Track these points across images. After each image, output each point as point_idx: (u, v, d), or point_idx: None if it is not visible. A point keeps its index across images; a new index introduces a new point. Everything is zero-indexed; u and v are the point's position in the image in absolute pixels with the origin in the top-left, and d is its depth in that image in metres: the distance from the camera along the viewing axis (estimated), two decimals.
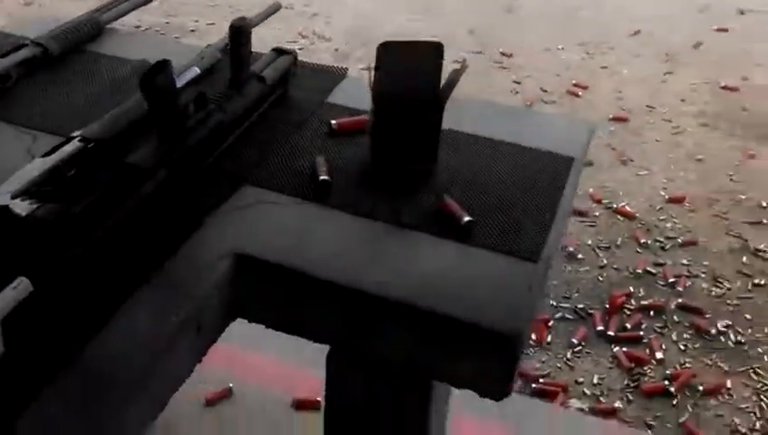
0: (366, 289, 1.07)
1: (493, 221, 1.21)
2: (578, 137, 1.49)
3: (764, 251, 2.62)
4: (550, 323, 2.29)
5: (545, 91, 3.65)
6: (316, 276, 1.09)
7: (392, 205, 1.22)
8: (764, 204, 2.86)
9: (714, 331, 2.27)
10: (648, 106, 3.54)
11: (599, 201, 2.84)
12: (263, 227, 1.17)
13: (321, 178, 1.24)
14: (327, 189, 1.23)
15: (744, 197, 2.92)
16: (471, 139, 1.39)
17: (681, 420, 2.00)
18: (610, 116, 3.43)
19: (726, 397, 2.08)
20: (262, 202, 1.21)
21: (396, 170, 1.29)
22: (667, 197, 2.89)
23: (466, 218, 1.18)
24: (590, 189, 2.91)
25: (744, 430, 1.99)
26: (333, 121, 1.38)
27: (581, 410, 2.03)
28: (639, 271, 2.49)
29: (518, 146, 1.39)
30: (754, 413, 2.03)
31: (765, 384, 2.11)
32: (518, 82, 3.72)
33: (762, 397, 2.08)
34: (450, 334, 1.04)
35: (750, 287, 2.45)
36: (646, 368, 2.15)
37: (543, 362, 2.17)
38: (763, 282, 2.48)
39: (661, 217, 2.79)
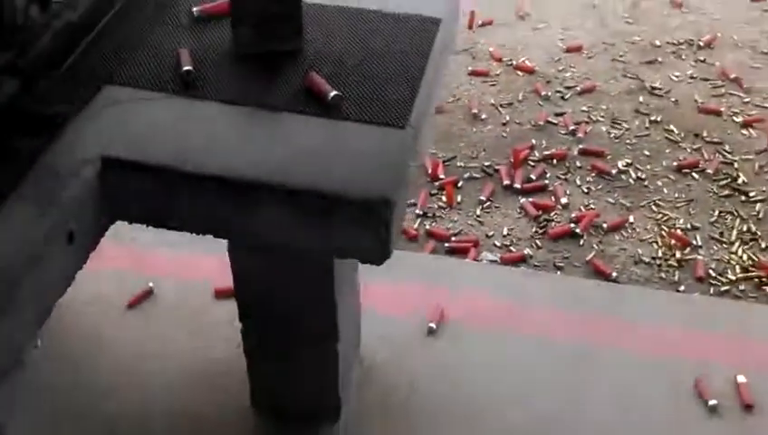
0: (236, 175, 1.05)
1: (360, 93, 1.18)
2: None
3: (659, 88, 2.64)
4: (459, 184, 2.31)
5: None
6: (186, 171, 1.06)
7: (259, 88, 1.18)
8: (657, 42, 2.87)
9: (615, 171, 2.31)
10: None
11: (499, 60, 2.81)
12: (129, 126, 1.12)
13: (185, 68, 1.19)
14: (192, 80, 1.19)
15: (638, 38, 2.91)
16: (336, 11, 1.33)
17: (588, 259, 2.06)
18: None
19: (630, 231, 2.14)
20: (126, 101, 1.16)
21: (261, 53, 1.25)
22: (564, 47, 2.87)
23: (333, 93, 1.15)
24: (491, 48, 2.87)
25: (647, 260, 2.05)
26: (195, 9, 1.32)
27: (494, 261, 2.07)
28: (541, 123, 2.50)
29: (383, 13, 1.35)
30: (656, 242, 2.10)
31: (665, 215, 2.18)
32: None
33: (662, 227, 2.14)
34: (323, 209, 1.03)
35: (647, 125, 2.48)
36: (552, 214, 2.19)
37: (455, 221, 2.20)
38: (659, 118, 2.51)
39: (560, 69, 2.78)
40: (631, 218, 2.16)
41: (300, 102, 1.16)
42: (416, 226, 2.17)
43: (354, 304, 1.61)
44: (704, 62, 2.78)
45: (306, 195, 1.02)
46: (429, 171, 2.33)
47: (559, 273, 2.02)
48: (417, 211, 2.20)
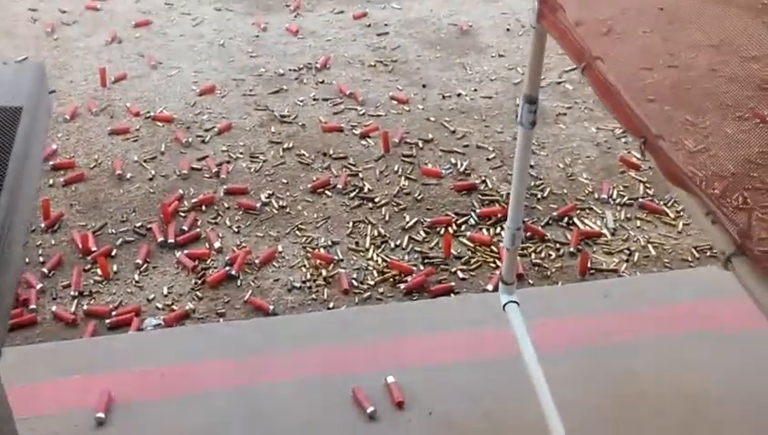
0: None
1: None
2: (26, 81, 1.29)
3: (288, 115, 2.66)
4: (113, 253, 2.14)
5: (65, 12, 3.27)
6: None
7: None
8: (281, 71, 2.89)
9: (259, 204, 2.28)
10: (166, 4, 3.34)
11: (137, 114, 2.64)
12: None
13: None
14: None
15: (263, 69, 2.91)
16: None
17: (246, 298, 2.01)
18: (133, 23, 3.18)
19: (280, 261, 2.13)
20: None
21: None
22: (198, 90, 2.78)
23: None
24: (128, 104, 2.69)
25: (298, 285, 2.04)
26: None
27: (159, 325, 1.95)
28: (186, 171, 2.39)
29: None
30: (304, 266, 2.11)
31: (308, 237, 2.18)
32: (34, 10, 3.28)
33: (307, 249, 2.16)
34: None
35: (282, 153, 2.48)
36: (209, 261, 2.11)
37: (114, 293, 2.02)
38: (291, 145, 2.52)
39: (197, 112, 2.68)
40: (280, 247, 2.14)
41: None
42: (73, 308, 1.97)
43: None
44: (323, 82, 2.84)
45: None
46: (80, 246, 2.13)
47: (221, 320, 1.95)
48: (72, 292, 2.00)
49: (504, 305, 1.52)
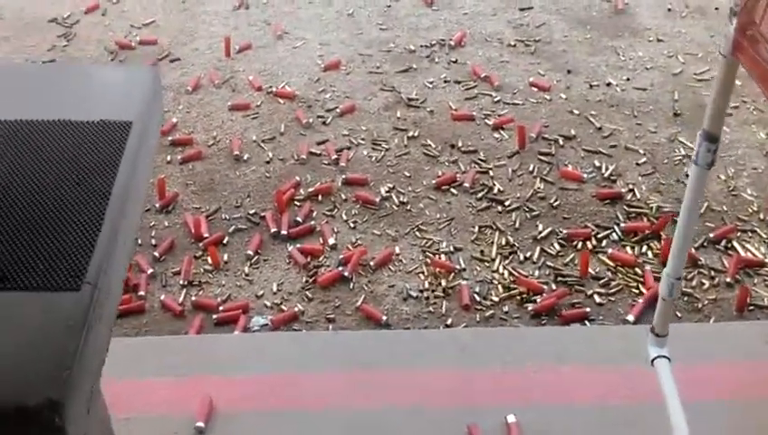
0: None
1: (27, 250, 0.94)
2: (138, 91, 1.22)
3: (416, 99, 2.52)
4: (225, 241, 2.09)
5: None
6: None
7: None
8: (412, 47, 2.75)
9: (378, 199, 2.17)
10: None
11: (259, 88, 2.59)
12: None
13: None
14: None
15: (393, 45, 2.78)
16: None
17: (358, 304, 1.92)
18: None
19: (397, 264, 2.01)
20: None
21: None
22: (323, 65, 2.69)
23: None
24: (250, 77, 2.64)
25: (415, 294, 1.93)
26: None
27: (266, 325, 1.89)
28: (304, 156, 2.32)
29: (58, 124, 1.10)
30: (422, 273, 1.98)
31: (428, 240, 2.05)
32: None
33: (426, 254, 2.03)
34: None
35: (406, 142, 2.36)
36: (321, 259, 2.03)
37: (223, 285, 1.98)
38: (416, 133, 2.39)
39: (320, 89, 2.59)
40: (397, 249, 2.03)
41: None
42: (181, 298, 1.94)
43: None
44: (456, 62, 2.68)
45: None
46: (192, 231, 2.10)
47: (330, 327, 1.87)
48: (182, 281, 1.98)
49: (653, 360, 1.34)
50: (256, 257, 2.04)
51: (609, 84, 2.52)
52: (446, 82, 2.58)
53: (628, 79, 2.54)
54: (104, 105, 1.16)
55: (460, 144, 2.32)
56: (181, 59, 2.74)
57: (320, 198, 2.18)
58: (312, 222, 2.11)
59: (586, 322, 1.82)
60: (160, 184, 2.18)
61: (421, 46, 2.74)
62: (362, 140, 2.37)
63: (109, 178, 1.01)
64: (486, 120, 2.40)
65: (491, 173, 2.22)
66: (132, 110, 1.13)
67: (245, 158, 2.32)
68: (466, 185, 2.17)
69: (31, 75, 1.27)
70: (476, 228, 2.07)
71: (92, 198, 0.98)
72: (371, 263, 1.99)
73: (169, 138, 2.38)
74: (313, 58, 2.73)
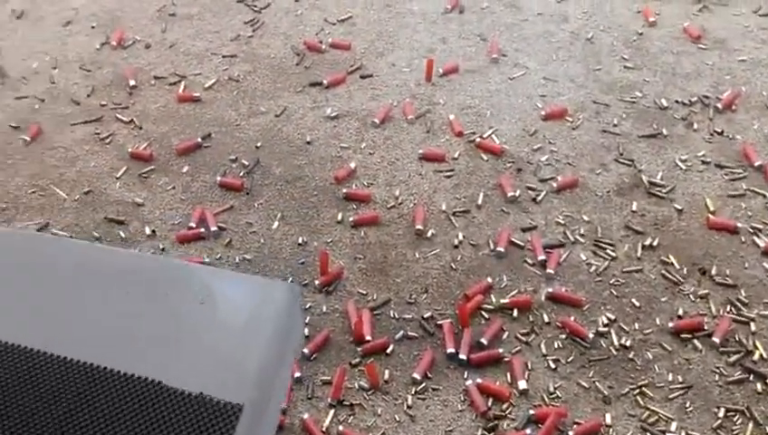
0: None
1: None
2: (265, 332, 0.93)
3: (661, 185, 2.03)
4: (389, 349, 1.78)
5: None
6: None
7: None
8: (664, 102, 2.22)
9: (592, 333, 1.76)
10: None
11: (459, 134, 2.21)
12: None
13: None
14: None
15: (639, 94, 2.27)
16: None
17: None
18: None
19: None
20: None
21: None
22: (544, 111, 2.26)
23: None
24: (451, 115, 2.26)
25: None
26: None
27: None
28: (502, 248, 1.93)
29: (151, 386, 0.83)
30: None
31: (652, 413, 1.63)
32: None
33: (648, 433, 1.61)
34: None
35: (640, 252, 1.89)
36: (506, 407, 1.67)
37: (379, 415, 1.68)
38: (656, 241, 1.91)
39: (536, 147, 2.17)
40: (608, 418, 1.62)
41: None
42: (327, 423, 1.65)
43: None
44: (722, 134, 2.15)
45: None
46: (353, 327, 1.80)
47: None
48: (330, 399, 1.69)
49: None
50: (424, 384, 1.71)
51: None
52: (704, 163, 2.07)
53: None
54: (215, 373, 0.87)
55: (714, 270, 1.83)
56: (374, 76, 2.41)
57: (515, 313, 1.81)
58: (501, 349, 1.74)
59: None
60: (323, 258, 1.89)
61: (677, 102, 2.24)
62: (581, 236, 1.94)
63: None
64: (756, 238, 1.89)
65: (753, 326, 1.73)
66: (247, 384, 0.83)
67: (430, 234, 1.97)
68: (716, 339, 1.70)
69: (142, 277, 0.99)
70: (722, 411, 1.61)
71: None
72: (570, 433, 1.60)
73: (344, 189, 2.08)
74: (533, 97, 2.30)
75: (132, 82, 2.41)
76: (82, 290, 0.94)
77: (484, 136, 2.19)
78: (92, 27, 2.65)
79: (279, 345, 0.88)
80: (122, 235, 2.00)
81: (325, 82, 2.38)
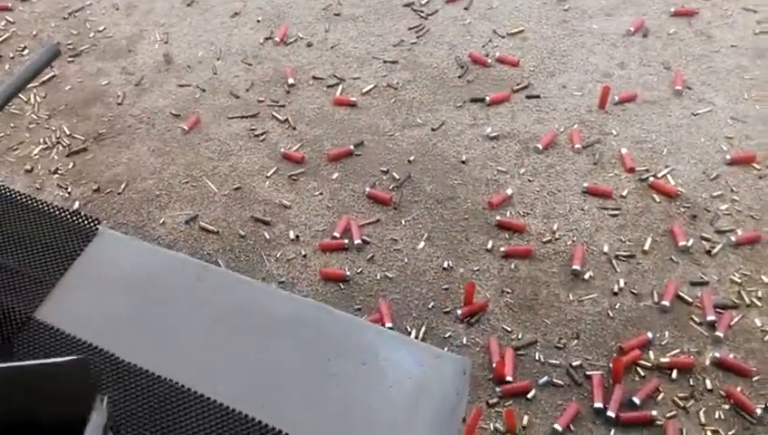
0: None
1: None
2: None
3: None
4: (530, 394, 1.72)
5: None
6: None
7: None
8: None
9: (760, 408, 1.63)
10: None
11: (631, 170, 2.12)
12: None
13: None
14: None
15: None
16: None
17: None
18: (672, 9, 2.58)
19: None
20: None
21: None
22: (729, 155, 2.13)
23: None
24: (623, 149, 2.17)
25: None
26: None
27: None
28: (667, 302, 1.83)
29: None
30: None
31: None
32: None
33: None
34: None
35: None
36: None
37: None
38: None
39: (715, 193, 2.05)
40: None
41: None
42: None
43: None
44: None
45: None
46: (494, 364, 1.75)
47: None
48: None
49: None
50: None
51: None
52: None
53: None
54: None
55: None
56: (541, 97, 2.35)
57: (674, 374, 1.70)
58: (655, 411, 1.64)
59: None
60: (469, 288, 1.85)
61: None
62: (758, 299, 1.81)
63: None
64: None
65: None
66: None
67: (587, 276, 1.90)
68: None
69: (307, 327, 0.97)
70: None
71: None
72: None
73: (497, 216, 2.03)
74: (717, 138, 2.18)
75: (291, 81, 2.46)
76: (246, 334, 0.95)
77: (659, 175, 2.09)
78: (258, 21, 2.73)
79: (443, 421, 0.85)
80: (267, 236, 2.04)
81: (488, 98, 2.34)
